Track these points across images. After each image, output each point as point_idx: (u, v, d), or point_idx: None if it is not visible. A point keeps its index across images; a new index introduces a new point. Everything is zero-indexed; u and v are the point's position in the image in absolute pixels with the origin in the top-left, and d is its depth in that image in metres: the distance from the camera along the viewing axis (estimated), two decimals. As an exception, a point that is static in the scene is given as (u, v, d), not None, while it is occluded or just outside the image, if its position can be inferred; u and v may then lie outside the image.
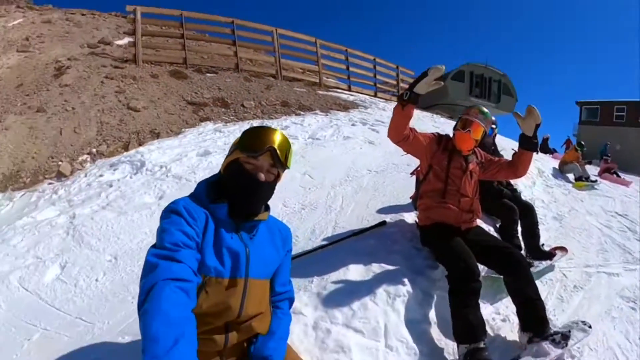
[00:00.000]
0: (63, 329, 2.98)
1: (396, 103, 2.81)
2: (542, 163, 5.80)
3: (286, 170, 1.81)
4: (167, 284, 1.36)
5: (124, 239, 4.20)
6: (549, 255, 3.90)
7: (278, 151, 1.67)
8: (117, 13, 17.40)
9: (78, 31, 13.74)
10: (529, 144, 2.91)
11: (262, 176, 1.68)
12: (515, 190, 4.60)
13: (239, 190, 1.69)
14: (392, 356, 2.33)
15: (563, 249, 4.11)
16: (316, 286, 2.70)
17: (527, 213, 4.09)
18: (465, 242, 2.82)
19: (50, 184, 5.85)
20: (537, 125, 2.83)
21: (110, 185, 5.42)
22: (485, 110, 3.08)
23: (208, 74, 11.03)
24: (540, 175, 5.43)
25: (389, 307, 2.53)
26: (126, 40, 12.58)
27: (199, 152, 6.53)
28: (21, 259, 3.95)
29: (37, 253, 4.03)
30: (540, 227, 4.21)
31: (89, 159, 6.44)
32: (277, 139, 1.69)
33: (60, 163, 6.26)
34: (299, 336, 2.33)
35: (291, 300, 2.01)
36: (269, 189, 1.77)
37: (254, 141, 1.68)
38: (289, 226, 2.09)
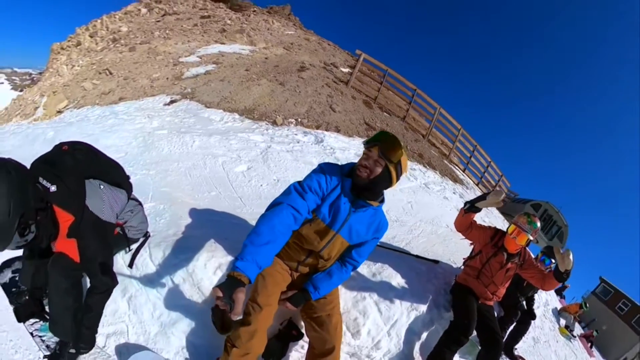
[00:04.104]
0: (227, 198, 3.26)
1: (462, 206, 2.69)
2: (551, 298, 5.06)
3: (405, 181, 1.72)
4: (286, 208, 1.49)
5: (289, 173, 4.33)
6: (515, 358, 3.51)
7: (383, 145, 1.59)
8: (348, 52, 18.43)
9: (322, 52, 14.99)
10: (558, 275, 2.46)
11: (369, 162, 1.61)
12: (533, 300, 4.01)
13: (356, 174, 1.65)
14: (385, 340, 2.28)
15: None
16: (376, 269, 2.62)
17: (525, 321, 3.69)
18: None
19: (266, 124, 6.41)
20: (567, 269, 2.36)
21: (298, 142, 5.69)
22: (535, 220, 2.66)
23: (385, 113, 10.96)
24: (545, 306, 4.95)
25: (405, 311, 2.43)
26: (347, 69, 13.19)
27: (356, 153, 6.47)
28: (229, 152, 4.38)
29: (239, 154, 4.41)
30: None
31: (294, 122, 6.83)
32: (386, 138, 1.62)
33: (277, 117, 6.79)
34: (347, 289, 2.30)
35: (355, 268, 1.93)
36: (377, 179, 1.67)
37: (371, 138, 1.65)
38: None
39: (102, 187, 1.72)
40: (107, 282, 1.70)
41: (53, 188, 1.50)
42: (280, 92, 8.01)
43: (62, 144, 1.69)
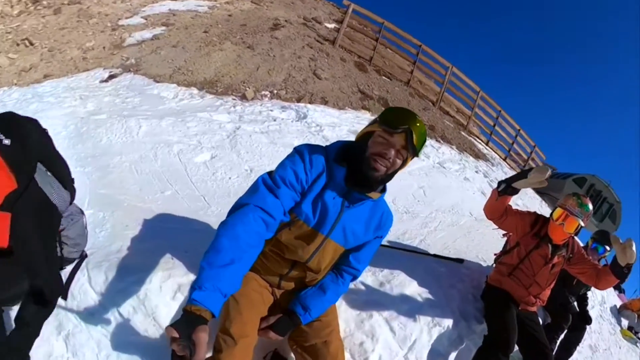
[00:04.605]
0: (187, 198, 3.19)
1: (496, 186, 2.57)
2: (608, 294, 5.47)
3: (414, 159, 1.59)
4: (253, 210, 1.37)
5: (264, 160, 4.29)
6: None
7: (414, 135, 1.45)
8: (333, 3, 18.09)
9: (300, 4, 14.64)
10: (616, 270, 2.43)
11: (392, 153, 1.46)
12: (586, 300, 4.00)
13: (363, 160, 1.50)
14: (403, 367, 2.19)
15: None
16: (383, 277, 2.55)
17: (579, 327, 3.61)
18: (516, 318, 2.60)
19: (233, 99, 6.32)
20: (629, 263, 2.34)
21: (274, 120, 5.64)
22: (586, 202, 2.58)
23: (383, 77, 10.91)
24: (601, 304, 5.01)
25: (425, 327, 2.35)
26: (333, 25, 13.01)
27: (350, 129, 6.45)
28: (187, 138, 4.38)
29: (200, 139, 4.41)
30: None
31: (268, 95, 6.77)
32: (417, 124, 1.47)
33: (247, 89, 6.71)
34: (347, 305, 2.23)
35: (354, 278, 1.85)
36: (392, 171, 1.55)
37: (394, 118, 1.48)
38: None
39: (49, 174, 1.65)
40: (53, 285, 1.57)
41: (7, 141, 1.45)
42: (250, 58, 7.88)
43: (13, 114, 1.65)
